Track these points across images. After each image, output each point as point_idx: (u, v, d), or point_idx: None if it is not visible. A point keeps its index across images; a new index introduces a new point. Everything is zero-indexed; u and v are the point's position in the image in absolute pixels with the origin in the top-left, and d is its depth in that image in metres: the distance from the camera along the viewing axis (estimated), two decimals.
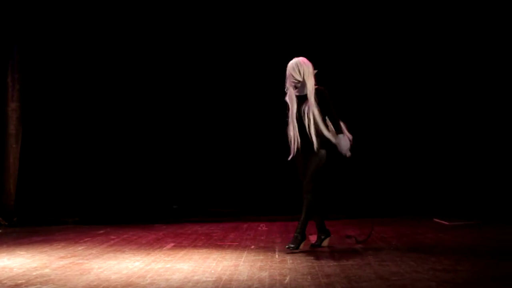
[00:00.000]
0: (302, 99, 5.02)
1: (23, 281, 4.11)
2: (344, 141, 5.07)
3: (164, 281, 3.99)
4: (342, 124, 5.11)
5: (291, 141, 5.03)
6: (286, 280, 3.92)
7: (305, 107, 4.98)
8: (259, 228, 6.83)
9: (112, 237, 6.29)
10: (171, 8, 8.38)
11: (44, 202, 7.94)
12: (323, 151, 5.06)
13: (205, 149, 8.61)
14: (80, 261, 4.82)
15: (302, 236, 5.03)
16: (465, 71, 8.02)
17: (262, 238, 6.02)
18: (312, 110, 4.96)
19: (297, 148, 5.02)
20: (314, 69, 5.05)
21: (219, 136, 8.54)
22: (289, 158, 5.07)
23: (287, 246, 5.00)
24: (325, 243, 5.31)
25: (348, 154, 5.11)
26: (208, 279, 4.04)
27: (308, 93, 4.99)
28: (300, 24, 8.29)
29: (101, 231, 6.77)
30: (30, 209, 7.79)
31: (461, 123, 8.11)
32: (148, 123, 8.61)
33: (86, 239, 6.13)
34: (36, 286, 3.93)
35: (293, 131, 5.01)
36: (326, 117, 5.09)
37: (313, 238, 5.79)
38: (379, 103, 8.40)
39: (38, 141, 8.02)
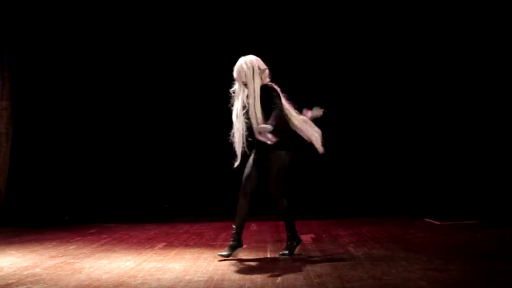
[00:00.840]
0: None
1: (14, 280, 4.08)
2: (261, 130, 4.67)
3: (155, 281, 3.98)
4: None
5: (235, 143, 4.77)
6: (278, 280, 3.92)
7: (248, 106, 4.71)
8: (251, 227, 6.82)
9: (104, 236, 6.26)
10: (159, 6, 8.36)
11: (35, 201, 7.89)
12: (281, 152, 4.75)
13: (195, 148, 8.59)
14: (71, 261, 4.79)
15: (297, 241, 4.92)
16: (462, 69, 8.03)
17: (254, 237, 6.01)
18: (254, 109, 4.65)
19: (250, 150, 4.74)
20: (266, 65, 4.78)
21: (210, 136, 8.50)
22: (235, 165, 4.77)
23: (281, 253, 4.86)
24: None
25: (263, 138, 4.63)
26: (200, 278, 4.03)
27: (249, 92, 4.71)
28: (296, 24, 8.30)
29: (92, 230, 6.74)
30: (21, 208, 7.75)
31: (452, 124, 8.14)
32: (138, 123, 8.58)
33: (77, 238, 6.10)
34: (27, 286, 3.91)
35: (236, 132, 4.74)
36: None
37: (305, 238, 5.80)
38: (373, 103, 8.41)
39: (29, 139, 7.97)
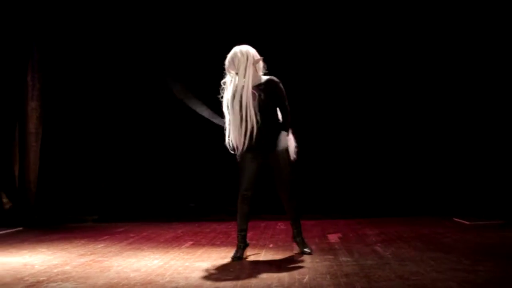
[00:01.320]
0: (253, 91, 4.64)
1: (44, 278, 4.15)
2: (291, 142, 4.75)
3: (183, 279, 4.01)
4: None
5: (241, 136, 4.59)
6: (305, 279, 3.92)
7: (249, 99, 4.59)
8: (277, 226, 6.82)
9: (131, 235, 6.33)
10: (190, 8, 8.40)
11: (64, 200, 8.01)
12: (283, 149, 4.67)
13: (222, 147, 8.61)
14: (100, 259, 4.85)
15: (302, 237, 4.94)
16: (485, 63, 7.93)
17: (281, 236, 6.01)
18: (246, 99, 4.57)
19: (249, 146, 4.62)
20: (260, 55, 4.70)
21: None
22: (238, 154, 4.67)
23: (306, 251, 4.89)
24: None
25: (294, 157, 4.75)
26: (227, 277, 4.05)
27: (239, 81, 4.58)
28: (292, 23, 8.27)
29: (120, 229, 6.82)
30: (50, 207, 7.87)
31: (481, 121, 8.02)
32: (165, 122, 8.63)
33: (106, 237, 6.17)
34: (57, 283, 3.97)
35: (233, 124, 4.60)
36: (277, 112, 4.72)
37: (332, 237, 5.79)
38: (399, 99, 8.34)
39: (58, 139, 8.08)
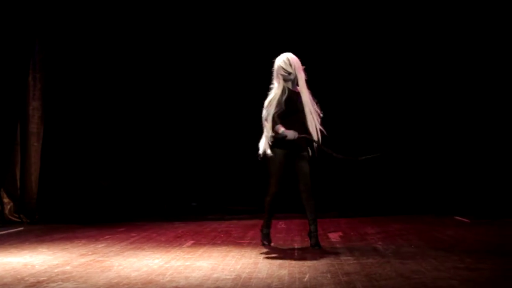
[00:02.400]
0: (294, 94, 5.07)
1: (45, 278, 4.15)
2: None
3: (183, 279, 4.01)
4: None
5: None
6: (306, 278, 3.91)
7: (300, 102, 5.03)
8: (278, 225, 6.81)
9: (132, 234, 6.33)
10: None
11: (65, 200, 8.00)
12: (307, 152, 5.17)
13: (223, 146, 8.61)
14: (101, 259, 4.85)
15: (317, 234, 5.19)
16: (486, 62, 7.93)
17: (281, 236, 6.01)
18: (312, 106, 5.06)
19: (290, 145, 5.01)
20: (302, 65, 5.10)
21: (237, 134, 8.51)
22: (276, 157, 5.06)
23: (316, 247, 5.05)
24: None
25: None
26: (227, 276, 4.05)
27: (301, 87, 5.05)
28: (297, 23, 8.24)
29: (121, 229, 6.81)
30: (51, 206, 7.87)
31: (483, 120, 8.01)
32: (167, 121, 8.62)
33: (107, 237, 6.17)
34: (57, 283, 3.97)
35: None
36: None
37: (333, 236, 5.78)
38: (398, 101, 8.33)
39: (59, 139, 8.08)
